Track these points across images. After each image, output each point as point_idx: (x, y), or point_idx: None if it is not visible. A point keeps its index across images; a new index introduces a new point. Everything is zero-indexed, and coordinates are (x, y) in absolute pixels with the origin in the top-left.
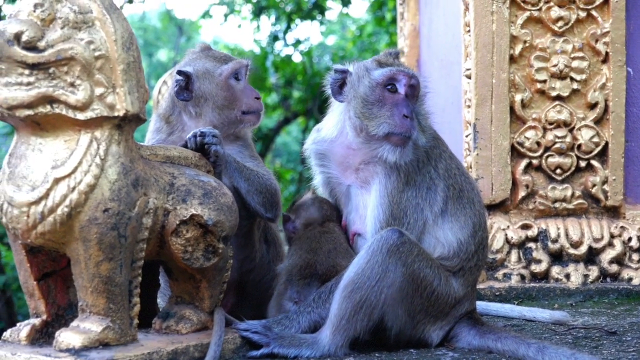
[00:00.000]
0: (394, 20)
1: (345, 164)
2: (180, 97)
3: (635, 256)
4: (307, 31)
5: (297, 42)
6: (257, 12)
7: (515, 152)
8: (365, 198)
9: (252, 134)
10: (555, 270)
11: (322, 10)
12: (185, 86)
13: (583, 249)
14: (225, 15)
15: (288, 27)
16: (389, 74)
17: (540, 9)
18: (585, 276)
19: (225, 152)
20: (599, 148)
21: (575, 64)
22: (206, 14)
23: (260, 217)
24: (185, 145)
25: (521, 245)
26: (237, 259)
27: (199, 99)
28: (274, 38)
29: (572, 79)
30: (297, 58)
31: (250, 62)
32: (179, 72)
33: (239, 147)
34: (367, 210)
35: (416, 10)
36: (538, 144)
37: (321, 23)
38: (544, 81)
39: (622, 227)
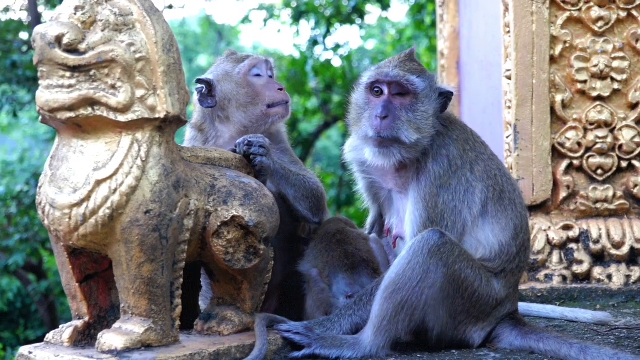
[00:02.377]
0: (433, 24)
1: (384, 169)
2: (205, 105)
3: None
4: (347, 35)
5: (337, 47)
6: (297, 17)
7: (556, 153)
8: (404, 202)
9: (289, 138)
10: (597, 271)
11: (361, 14)
12: (208, 93)
13: (625, 249)
14: (265, 20)
15: (327, 32)
16: (372, 77)
17: (580, 9)
18: (628, 277)
19: (271, 163)
20: None
21: (615, 64)
22: (246, 19)
23: (307, 222)
24: (234, 151)
25: (562, 246)
26: (280, 262)
27: (223, 102)
28: (314, 42)
29: (612, 79)
30: (336, 62)
31: (273, 60)
32: (198, 80)
33: (278, 152)
34: (406, 214)
35: (456, 12)
36: (579, 144)
37: (360, 27)
38: (585, 81)
39: None
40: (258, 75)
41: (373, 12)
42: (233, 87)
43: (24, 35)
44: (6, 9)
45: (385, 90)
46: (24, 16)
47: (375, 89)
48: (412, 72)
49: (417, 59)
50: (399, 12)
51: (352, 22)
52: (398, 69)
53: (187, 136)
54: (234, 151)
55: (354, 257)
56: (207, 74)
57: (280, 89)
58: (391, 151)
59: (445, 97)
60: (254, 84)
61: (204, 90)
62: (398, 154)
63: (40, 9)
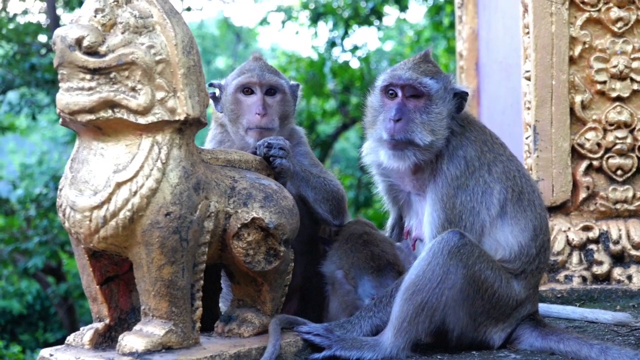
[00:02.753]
0: (451, 25)
1: (400, 171)
2: (217, 109)
3: None
4: (365, 37)
5: (355, 48)
6: (315, 19)
7: (576, 154)
8: (423, 204)
9: (308, 140)
10: (617, 272)
11: (379, 15)
12: (220, 97)
13: None
14: (283, 22)
15: (345, 33)
16: (386, 80)
17: (599, 10)
18: None
19: (291, 165)
20: None
21: (635, 64)
22: (264, 21)
23: (327, 224)
24: (254, 153)
25: (582, 247)
26: (300, 264)
27: (223, 109)
28: (332, 44)
29: (632, 79)
30: (354, 64)
31: (277, 79)
32: (210, 85)
33: (298, 154)
34: (424, 216)
35: (474, 13)
36: (598, 145)
37: (378, 29)
38: (604, 82)
39: None
40: (251, 93)
41: (391, 13)
42: (225, 100)
43: (42, 38)
44: (25, 12)
45: (399, 93)
46: (43, 19)
47: (390, 92)
48: (426, 74)
49: (432, 60)
50: (417, 13)
51: (370, 23)
52: (412, 71)
53: (210, 133)
54: (255, 153)
55: (380, 259)
56: (224, 78)
57: (260, 114)
58: (406, 153)
59: (461, 97)
60: (241, 103)
61: (216, 94)
62: (413, 156)
63: (59, 11)
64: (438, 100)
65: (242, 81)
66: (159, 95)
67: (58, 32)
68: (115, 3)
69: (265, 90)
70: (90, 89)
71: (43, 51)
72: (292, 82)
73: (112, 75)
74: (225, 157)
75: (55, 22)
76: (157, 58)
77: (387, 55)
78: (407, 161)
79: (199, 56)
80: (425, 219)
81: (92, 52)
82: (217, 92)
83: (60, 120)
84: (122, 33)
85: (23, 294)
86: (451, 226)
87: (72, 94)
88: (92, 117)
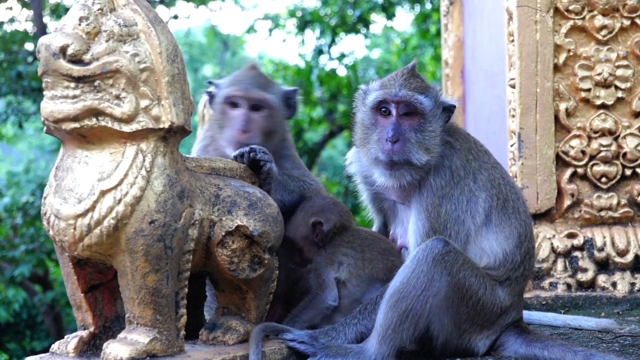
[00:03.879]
0: (438, 33)
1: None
2: (211, 106)
3: None
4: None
5: (342, 56)
6: (302, 26)
7: (560, 161)
8: (408, 213)
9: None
10: (602, 279)
11: (366, 23)
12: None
13: (629, 257)
14: (270, 30)
15: (333, 41)
16: (378, 97)
17: (584, 18)
18: (632, 284)
19: (276, 169)
20: None
21: (619, 72)
22: (251, 29)
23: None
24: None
25: (567, 254)
26: (284, 270)
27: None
28: (319, 52)
29: (616, 87)
30: (342, 72)
31: (258, 98)
32: (209, 82)
33: (281, 158)
34: (409, 224)
35: (460, 21)
36: (583, 152)
37: (366, 36)
38: (589, 90)
39: None
40: (236, 106)
41: (378, 21)
42: (215, 108)
43: (29, 46)
44: (11, 20)
45: (394, 112)
46: (29, 27)
47: (383, 109)
48: (419, 91)
49: (418, 73)
50: (404, 21)
51: (357, 31)
52: (405, 88)
53: (204, 128)
54: (235, 159)
55: (392, 271)
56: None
57: (241, 130)
58: (402, 173)
59: (449, 110)
60: (226, 114)
61: (208, 95)
62: (408, 176)
63: (46, 19)
64: (431, 117)
65: (228, 93)
66: (144, 103)
67: (42, 40)
68: (100, 11)
69: (250, 105)
70: (74, 97)
71: (30, 59)
72: (288, 88)
73: (96, 83)
74: (209, 164)
75: (42, 30)
76: (142, 66)
77: (374, 63)
78: (402, 180)
79: (183, 64)
80: (410, 228)
81: (76, 60)
82: (214, 90)
83: (45, 128)
84: (107, 41)
85: (10, 303)
86: (436, 235)
87: (57, 102)
88: (76, 125)
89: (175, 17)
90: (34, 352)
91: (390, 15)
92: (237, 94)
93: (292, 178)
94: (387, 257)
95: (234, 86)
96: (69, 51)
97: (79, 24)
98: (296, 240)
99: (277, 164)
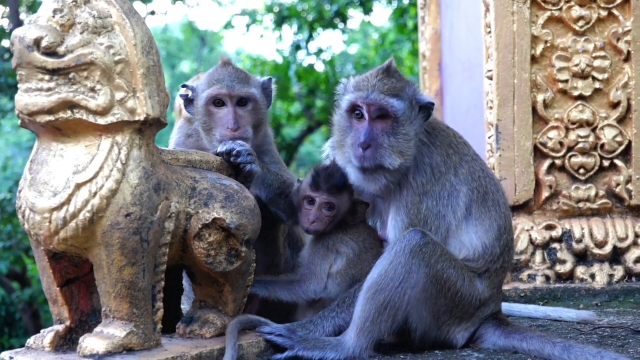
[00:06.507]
0: (416, 28)
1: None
2: (188, 110)
3: None
4: (329, 40)
5: (320, 51)
6: (279, 22)
7: (538, 153)
8: (387, 207)
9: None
10: (580, 271)
11: (344, 18)
12: (191, 100)
13: (608, 248)
14: (247, 26)
15: (310, 36)
16: (351, 100)
17: (561, 9)
18: (610, 276)
19: (259, 169)
20: (622, 147)
21: (597, 63)
22: (228, 25)
23: (283, 222)
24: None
25: (545, 245)
26: (262, 265)
27: (194, 115)
28: (296, 47)
29: (594, 78)
30: (319, 67)
31: (243, 93)
32: (183, 86)
33: (260, 152)
34: (388, 218)
35: (437, 13)
36: (561, 144)
37: (343, 32)
38: (566, 81)
39: None
40: (221, 104)
41: (355, 16)
42: (197, 110)
43: (5, 43)
44: None
45: (366, 115)
46: (6, 23)
47: (356, 112)
48: (392, 93)
49: (395, 70)
50: (382, 16)
51: (334, 26)
52: (377, 90)
53: (177, 124)
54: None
55: None
56: (194, 82)
57: (232, 128)
58: (376, 177)
59: (427, 108)
60: (213, 115)
61: (189, 95)
62: (383, 179)
63: (22, 16)
64: (405, 120)
65: (212, 93)
66: (119, 95)
67: (16, 32)
68: (74, 3)
69: (235, 101)
70: (49, 89)
71: (6, 56)
72: (264, 79)
73: (71, 75)
74: (186, 157)
75: (18, 26)
76: (116, 58)
77: (351, 58)
78: (377, 184)
79: (158, 56)
80: (389, 223)
81: (50, 52)
82: (190, 93)
83: (20, 121)
84: (81, 33)
85: None
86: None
87: (31, 95)
88: (51, 117)
89: (152, 13)
90: (12, 349)
91: (367, 10)
92: (222, 92)
93: (271, 172)
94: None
95: (216, 85)
96: (43, 43)
97: (53, 16)
98: (339, 210)
99: (257, 158)
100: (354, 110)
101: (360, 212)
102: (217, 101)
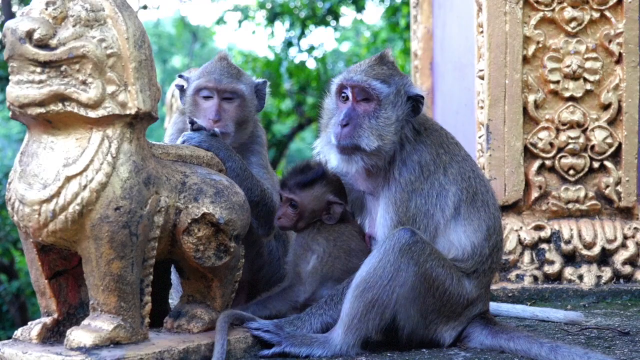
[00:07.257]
0: (408, 26)
1: (354, 173)
2: (182, 102)
3: None
4: (321, 37)
5: (311, 48)
6: (271, 18)
7: (529, 153)
8: (376, 204)
9: (265, 139)
10: (569, 272)
11: (336, 16)
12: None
13: (596, 250)
14: (240, 22)
15: (302, 33)
16: (338, 82)
17: (553, 10)
18: (599, 277)
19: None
20: (612, 149)
21: (588, 64)
22: (220, 20)
23: (252, 229)
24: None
25: (534, 246)
26: (247, 258)
27: (184, 105)
28: (288, 44)
29: (585, 79)
30: (311, 64)
31: (230, 88)
32: (180, 76)
33: (248, 152)
34: (377, 216)
35: (430, 13)
36: (551, 144)
37: (335, 29)
38: (557, 82)
39: (635, 228)
40: (208, 97)
41: (348, 14)
42: (186, 100)
43: None
44: None
45: (350, 96)
46: None
47: (343, 94)
48: (378, 77)
49: (390, 61)
50: (374, 14)
51: (326, 24)
52: (363, 74)
53: (173, 118)
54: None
55: (349, 273)
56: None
57: (213, 120)
58: (353, 158)
59: (416, 100)
60: (198, 105)
61: (184, 86)
62: (360, 161)
63: (14, 8)
64: (388, 105)
65: (200, 84)
66: (110, 89)
67: (9, 24)
68: None
69: (222, 95)
70: (40, 82)
71: None
72: (258, 80)
73: (62, 68)
74: (176, 152)
75: (10, 18)
76: (109, 52)
77: (343, 56)
78: (354, 165)
79: (150, 50)
80: (378, 220)
81: (42, 45)
82: (185, 84)
83: (10, 113)
84: (73, 26)
85: None
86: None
87: (22, 87)
88: (42, 110)
89: (145, 7)
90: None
91: (359, 8)
92: (209, 85)
93: (250, 177)
94: (350, 259)
95: (205, 77)
96: (35, 36)
97: (46, 9)
98: (303, 207)
99: (243, 156)
100: (340, 92)
101: (335, 212)
102: (205, 93)
